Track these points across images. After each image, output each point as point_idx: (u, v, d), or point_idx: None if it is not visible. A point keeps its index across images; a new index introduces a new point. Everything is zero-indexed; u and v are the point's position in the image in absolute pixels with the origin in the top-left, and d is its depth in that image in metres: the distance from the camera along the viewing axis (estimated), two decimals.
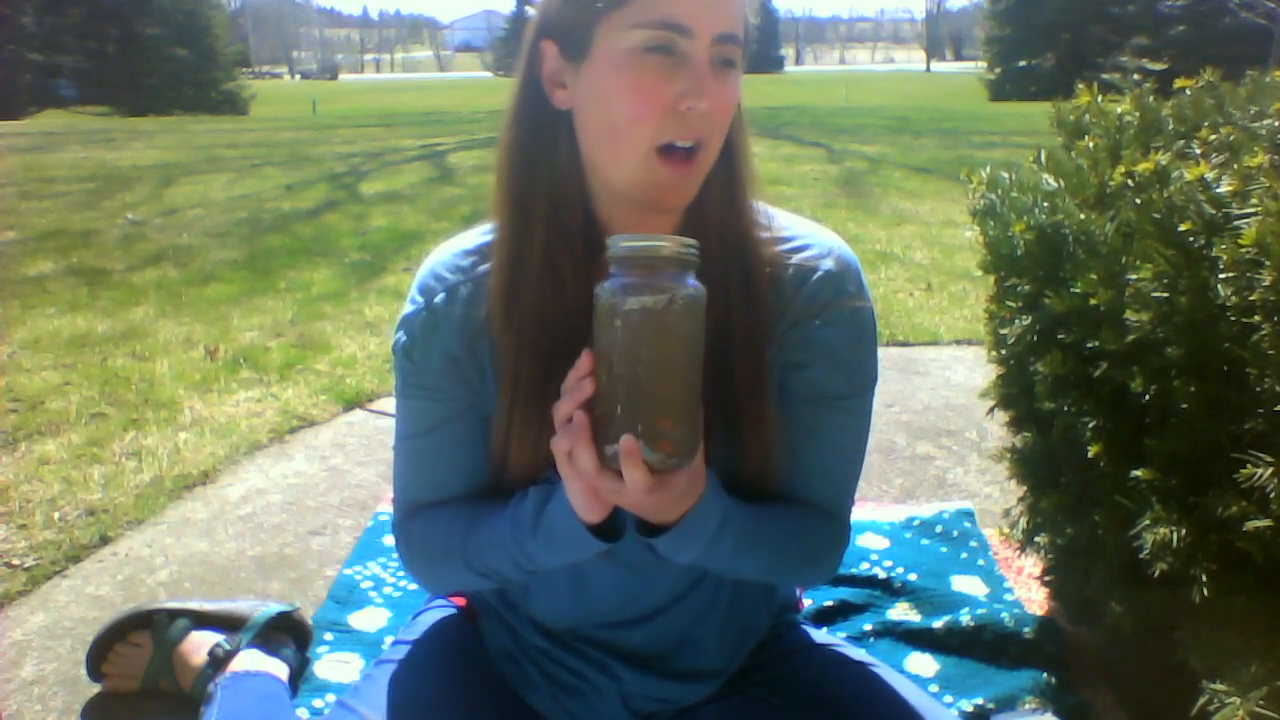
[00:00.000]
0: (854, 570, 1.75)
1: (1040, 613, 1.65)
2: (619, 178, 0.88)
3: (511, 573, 0.96)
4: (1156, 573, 1.05)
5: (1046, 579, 1.58)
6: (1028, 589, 1.74)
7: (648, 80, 0.83)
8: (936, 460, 2.40)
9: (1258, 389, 0.96)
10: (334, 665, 1.54)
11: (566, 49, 0.87)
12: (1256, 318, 0.95)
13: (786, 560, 1.00)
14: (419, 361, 0.98)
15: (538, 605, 1.08)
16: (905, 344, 3.33)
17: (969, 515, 1.99)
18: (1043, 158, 1.41)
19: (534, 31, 0.90)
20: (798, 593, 1.36)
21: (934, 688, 1.45)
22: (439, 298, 0.97)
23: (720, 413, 0.92)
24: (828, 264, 0.96)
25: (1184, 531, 1.04)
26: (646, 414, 0.75)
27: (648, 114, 0.83)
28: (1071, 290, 1.21)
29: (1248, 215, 0.98)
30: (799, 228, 0.99)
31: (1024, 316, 1.35)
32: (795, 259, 0.96)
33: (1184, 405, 1.07)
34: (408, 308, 1.00)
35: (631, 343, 0.74)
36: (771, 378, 0.96)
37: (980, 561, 1.82)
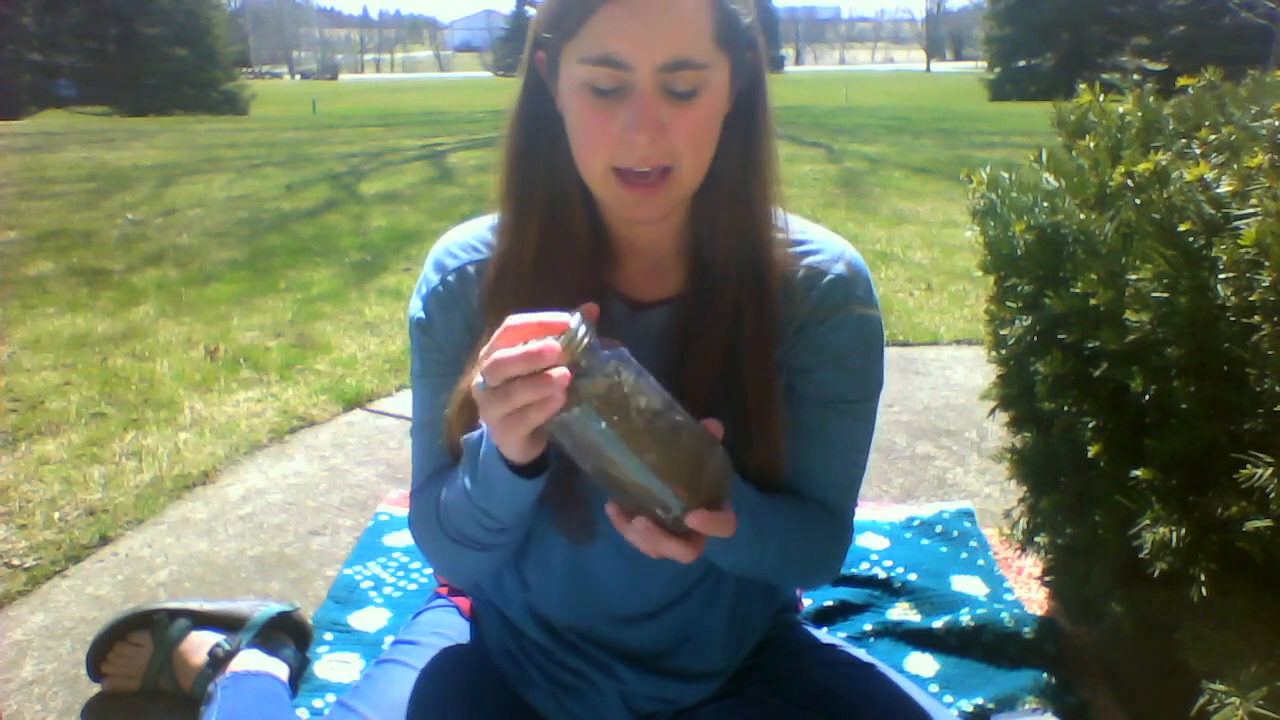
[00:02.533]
0: (854, 570, 1.75)
1: (1040, 613, 1.65)
2: (592, 190, 0.90)
3: (478, 533, 0.91)
4: (1156, 572, 1.05)
5: (1046, 579, 1.58)
6: (1028, 589, 1.74)
7: (594, 113, 0.84)
8: (936, 460, 2.40)
9: (1258, 389, 0.96)
10: (334, 665, 1.54)
11: (548, 65, 0.89)
12: (1256, 318, 0.95)
13: (794, 549, 0.98)
14: (439, 336, 0.98)
15: (539, 599, 1.08)
16: (905, 344, 3.33)
17: (969, 515, 1.99)
18: (1044, 157, 1.41)
19: (531, 39, 0.90)
20: (797, 592, 1.36)
21: (934, 688, 1.46)
22: (453, 275, 0.98)
23: (728, 411, 0.92)
24: (838, 268, 0.97)
25: (1184, 531, 1.04)
26: (648, 495, 0.74)
27: (598, 142, 0.85)
28: (1071, 290, 1.21)
29: (1248, 215, 0.98)
30: (810, 232, 1.00)
31: (1024, 317, 1.35)
32: (805, 262, 0.97)
33: (1184, 405, 1.07)
34: (423, 287, 1.00)
35: (585, 448, 0.73)
36: (779, 378, 0.96)
37: (980, 561, 1.82)
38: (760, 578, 1.06)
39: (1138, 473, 1.10)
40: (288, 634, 1.54)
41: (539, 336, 0.72)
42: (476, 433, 0.87)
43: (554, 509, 0.94)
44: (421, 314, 0.99)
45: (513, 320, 0.73)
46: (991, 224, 1.42)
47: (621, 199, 0.87)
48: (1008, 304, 1.40)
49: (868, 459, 1.05)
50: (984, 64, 36.71)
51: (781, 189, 0.95)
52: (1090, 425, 1.22)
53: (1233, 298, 0.98)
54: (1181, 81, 1.39)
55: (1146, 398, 1.11)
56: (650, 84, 0.82)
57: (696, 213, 0.94)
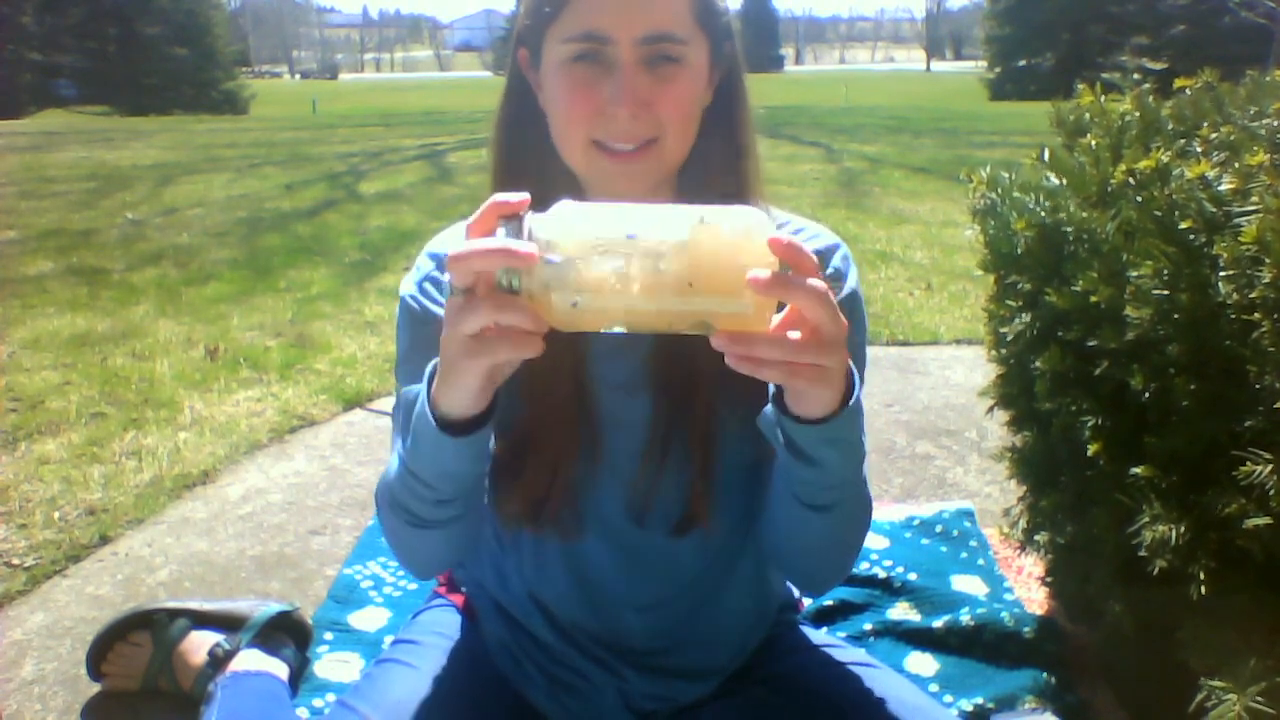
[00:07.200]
0: (854, 570, 1.75)
1: (1040, 612, 1.65)
2: (576, 173, 0.92)
3: (416, 505, 0.87)
4: (1156, 570, 1.05)
5: (1046, 578, 1.58)
6: (1028, 588, 1.74)
7: (577, 86, 0.87)
8: (936, 460, 2.40)
9: (1257, 387, 0.96)
10: (334, 665, 1.54)
11: (531, 58, 0.92)
12: (1256, 315, 0.95)
13: (850, 512, 0.92)
14: (428, 317, 0.97)
15: (539, 593, 1.08)
16: (905, 344, 3.33)
17: (969, 515, 1.99)
18: (1045, 155, 1.41)
19: (514, 38, 0.94)
20: (797, 593, 1.36)
21: (934, 687, 1.45)
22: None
23: (727, 404, 0.92)
24: (816, 245, 0.99)
25: (1183, 529, 1.04)
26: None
27: (579, 114, 0.87)
28: (1072, 288, 1.21)
29: (1248, 213, 0.98)
30: (790, 218, 1.02)
31: (1024, 314, 1.35)
32: None
33: (1184, 403, 1.07)
34: (416, 273, 1.00)
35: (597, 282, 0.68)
36: None
37: (980, 561, 1.82)
38: (810, 541, 0.95)
39: (1137, 471, 1.10)
40: (288, 634, 1.54)
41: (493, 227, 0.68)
42: (416, 386, 0.82)
43: (542, 503, 0.95)
44: (413, 293, 0.99)
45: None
46: (992, 223, 1.42)
47: (604, 171, 0.89)
48: (1008, 302, 1.40)
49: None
50: (984, 64, 36.71)
51: (763, 181, 0.97)
52: (1090, 423, 1.22)
53: (1233, 295, 0.98)
54: (1179, 83, 1.39)
55: (1146, 395, 1.11)
56: (631, 57, 0.85)
57: (683, 202, 0.93)
